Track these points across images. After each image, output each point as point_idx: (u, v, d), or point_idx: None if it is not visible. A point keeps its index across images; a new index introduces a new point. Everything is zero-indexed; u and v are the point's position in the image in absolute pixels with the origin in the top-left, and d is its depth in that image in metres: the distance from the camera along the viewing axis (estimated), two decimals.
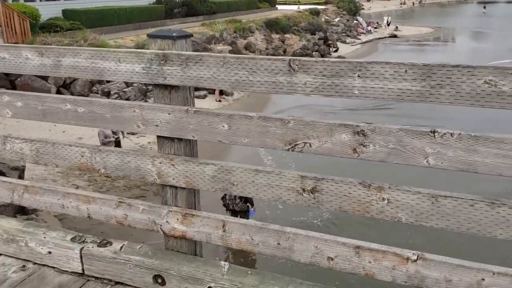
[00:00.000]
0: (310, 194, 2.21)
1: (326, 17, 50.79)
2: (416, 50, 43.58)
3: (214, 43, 29.10)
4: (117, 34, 27.00)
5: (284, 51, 33.83)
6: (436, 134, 1.95)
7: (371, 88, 2.00)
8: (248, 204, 10.42)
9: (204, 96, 22.69)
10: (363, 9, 78.66)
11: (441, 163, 1.97)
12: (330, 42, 39.71)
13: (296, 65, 2.11)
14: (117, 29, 28.55)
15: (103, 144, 13.49)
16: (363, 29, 51.69)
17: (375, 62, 1.97)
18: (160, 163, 2.52)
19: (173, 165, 2.49)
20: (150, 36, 2.44)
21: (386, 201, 2.09)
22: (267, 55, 30.74)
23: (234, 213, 10.24)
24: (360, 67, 2.00)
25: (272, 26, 36.68)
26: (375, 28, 54.56)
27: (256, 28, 34.50)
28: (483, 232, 1.97)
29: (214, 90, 22.73)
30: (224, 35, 30.29)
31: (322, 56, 35.76)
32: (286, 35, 37.13)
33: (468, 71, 1.86)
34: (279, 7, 52.24)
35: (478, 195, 1.99)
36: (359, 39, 46.61)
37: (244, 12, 43.73)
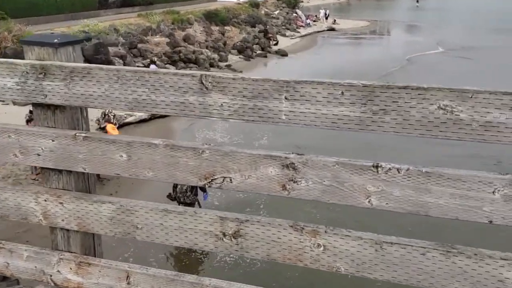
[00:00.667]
0: (232, 239, 1.81)
1: (266, 10, 50.62)
2: (353, 43, 44.34)
3: (151, 35, 28.11)
4: (46, 25, 25.44)
5: (224, 44, 33.28)
6: (379, 169, 1.59)
7: (301, 113, 1.61)
8: (197, 197, 10.49)
9: None
10: (302, 1, 79.40)
11: (386, 203, 1.61)
12: (270, 35, 39.52)
13: (210, 82, 1.69)
14: (46, 19, 26.95)
15: None
16: (302, 22, 51.98)
17: (306, 81, 1.58)
18: (45, 200, 2.02)
19: (61, 203, 1.99)
20: (23, 42, 1.91)
21: (322, 248, 1.72)
22: (206, 47, 30.13)
23: (188, 205, 9.89)
24: (288, 87, 1.61)
25: (212, 18, 35.98)
26: (314, 21, 55.02)
27: (195, 20, 33.70)
28: (436, 285, 1.64)
29: None
30: (161, 26, 29.33)
31: (262, 49, 35.58)
32: (226, 27, 36.55)
33: (419, 94, 1.50)
34: None
35: (430, 242, 1.65)
36: (298, 32, 46.78)
37: (183, 3, 42.72)
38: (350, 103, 1.55)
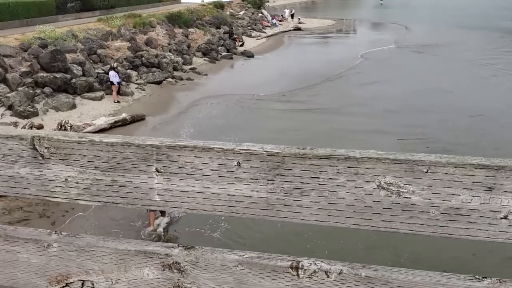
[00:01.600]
0: None
1: (231, 10, 50.05)
2: (320, 42, 44.22)
3: (111, 40, 27.19)
4: (0, 32, 24.24)
5: (189, 46, 32.57)
6: (300, 271, 1.08)
7: (182, 192, 1.10)
8: None
9: (101, 98, 20.96)
10: (268, 1, 79.21)
11: None
12: (235, 36, 39.00)
13: (46, 147, 1.15)
14: (0, 26, 25.69)
15: None
16: (268, 22, 51.64)
17: (185, 146, 1.08)
18: None
19: None
20: None
21: None
22: (170, 51, 29.37)
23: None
24: (159, 155, 1.09)
25: (175, 20, 35.18)
26: (280, 21, 54.79)
27: (158, 23, 32.86)
28: None
29: (112, 89, 21.09)
30: (122, 31, 28.42)
31: (228, 51, 34.99)
32: (190, 30, 35.82)
33: (349, 167, 1.01)
34: (182, 0, 50.61)
35: None
36: (264, 32, 46.40)
37: (145, 6, 41.80)
38: (252, 178, 1.05)
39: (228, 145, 1.04)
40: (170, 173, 1.08)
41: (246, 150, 1.03)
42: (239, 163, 1.04)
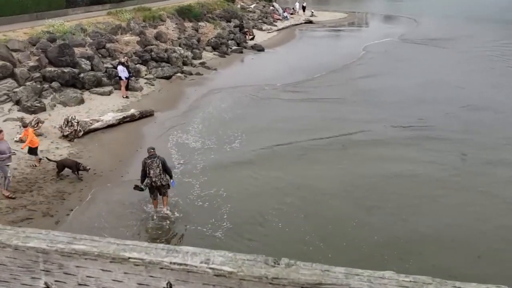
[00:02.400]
0: None
1: (242, 4, 49.60)
2: (332, 36, 43.66)
3: (121, 34, 26.98)
4: (10, 26, 24.12)
5: (198, 40, 32.27)
6: None
7: None
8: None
9: (109, 93, 20.77)
10: None
11: None
12: (246, 29, 38.59)
13: None
14: (9, 20, 25.57)
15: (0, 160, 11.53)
16: (280, 15, 51.09)
17: (84, 251, 0.74)
18: None
19: None
20: None
21: None
22: (179, 45, 29.09)
23: (162, 187, 11.30)
24: (49, 263, 0.76)
25: (185, 14, 34.88)
26: (291, 14, 54.19)
27: (168, 16, 32.60)
28: None
29: (121, 84, 20.88)
30: (131, 24, 28.19)
31: (238, 44, 34.63)
32: (200, 23, 35.50)
33: None
34: None
35: None
36: (275, 25, 45.90)
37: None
38: None
39: (153, 253, 0.69)
40: (61, 282, 0.75)
41: (181, 265, 0.69)
42: (170, 285, 0.70)
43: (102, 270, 0.71)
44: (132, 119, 17.93)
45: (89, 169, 13.03)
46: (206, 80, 25.03)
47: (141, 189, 11.40)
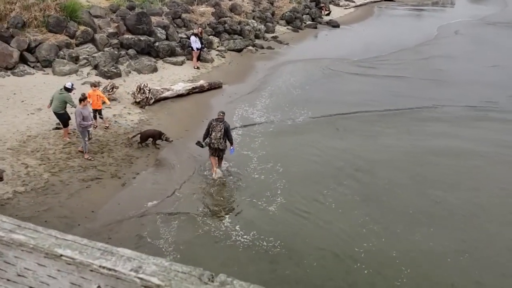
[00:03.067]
0: None
1: None
2: (412, 15, 41.82)
3: (197, 4, 27.36)
4: None
5: (273, 14, 32.09)
6: None
7: None
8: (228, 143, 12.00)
9: (182, 63, 21.27)
10: None
11: None
12: (322, 4, 37.82)
13: None
14: None
15: (82, 127, 12.15)
16: None
17: (21, 241, 0.74)
18: None
19: None
20: None
21: None
22: (253, 18, 29.08)
23: (219, 150, 11.87)
24: None
25: None
26: None
27: None
28: None
29: (192, 55, 21.30)
30: None
31: (313, 20, 34.08)
32: None
33: None
34: None
35: None
36: (353, 1, 44.59)
37: None
38: None
39: (87, 253, 0.67)
40: (8, 280, 0.76)
41: (110, 270, 0.68)
42: None
43: (38, 264, 0.72)
44: (201, 90, 18.30)
45: (172, 140, 13.36)
46: (277, 55, 24.95)
47: (202, 146, 12.21)
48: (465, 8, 46.66)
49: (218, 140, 11.73)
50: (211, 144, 11.82)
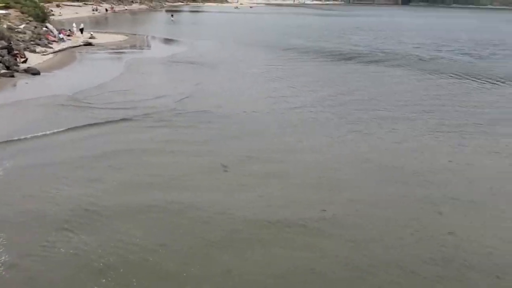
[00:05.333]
0: None
1: (9, 24, 44.98)
2: (114, 58, 42.64)
3: None
4: None
5: None
6: None
7: None
8: None
9: None
10: (53, 15, 74.16)
11: None
12: (16, 52, 34.97)
13: None
14: None
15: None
16: (55, 36, 47.94)
17: None
18: None
19: None
20: None
21: None
22: None
23: None
24: None
25: None
26: (68, 35, 51.43)
27: None
28: None
29: None
30: None
31: (8, 68, 31.15)
32: None
33: None
34: None
35: None
36: (51, 47, 42.79)
37: None
38: None
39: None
40: None
41: None
42: None
43: None
44: None
45: None
46: None
47: None
48: (165, 49, 50.49)
49: None
50: None
